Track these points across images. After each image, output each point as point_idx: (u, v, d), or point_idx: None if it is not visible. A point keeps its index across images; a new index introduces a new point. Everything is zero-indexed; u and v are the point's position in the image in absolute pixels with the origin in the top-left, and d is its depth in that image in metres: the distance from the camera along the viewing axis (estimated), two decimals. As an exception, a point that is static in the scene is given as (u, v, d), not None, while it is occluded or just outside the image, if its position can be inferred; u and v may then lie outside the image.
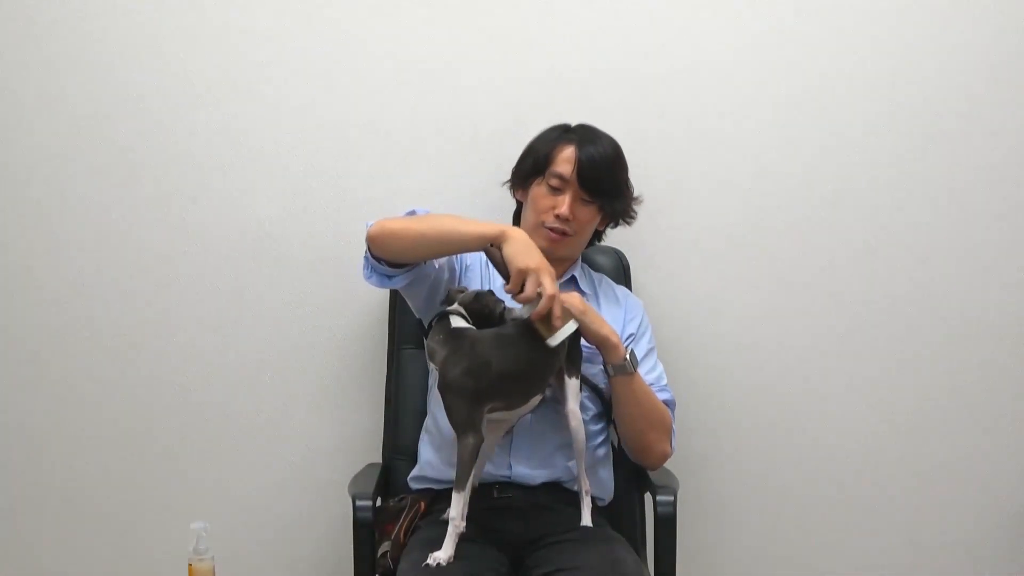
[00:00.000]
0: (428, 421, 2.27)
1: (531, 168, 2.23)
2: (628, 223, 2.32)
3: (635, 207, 2.30)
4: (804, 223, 2.56)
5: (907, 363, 2.59)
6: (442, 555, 1.93)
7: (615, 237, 2.45)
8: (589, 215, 2.21)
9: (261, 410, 2.54)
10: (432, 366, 2.03)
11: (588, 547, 2.02)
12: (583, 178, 2.17)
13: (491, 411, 1.99)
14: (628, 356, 2.11)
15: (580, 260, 2.33)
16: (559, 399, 2.09)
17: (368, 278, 2.13)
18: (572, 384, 2.06)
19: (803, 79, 2.54)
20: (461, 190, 2.38)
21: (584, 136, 2.21)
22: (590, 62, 2.52)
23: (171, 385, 2.54)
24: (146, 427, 2.54)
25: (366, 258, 2.11)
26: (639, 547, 2.30)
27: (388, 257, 2.07)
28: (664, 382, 2.26)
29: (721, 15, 2.53)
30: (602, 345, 2.10)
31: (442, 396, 1.99)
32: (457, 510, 1.94)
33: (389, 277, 2.10)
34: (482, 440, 1.96)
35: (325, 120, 2.51)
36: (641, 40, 2.52)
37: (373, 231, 2.06)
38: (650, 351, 2.28)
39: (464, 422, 1.94)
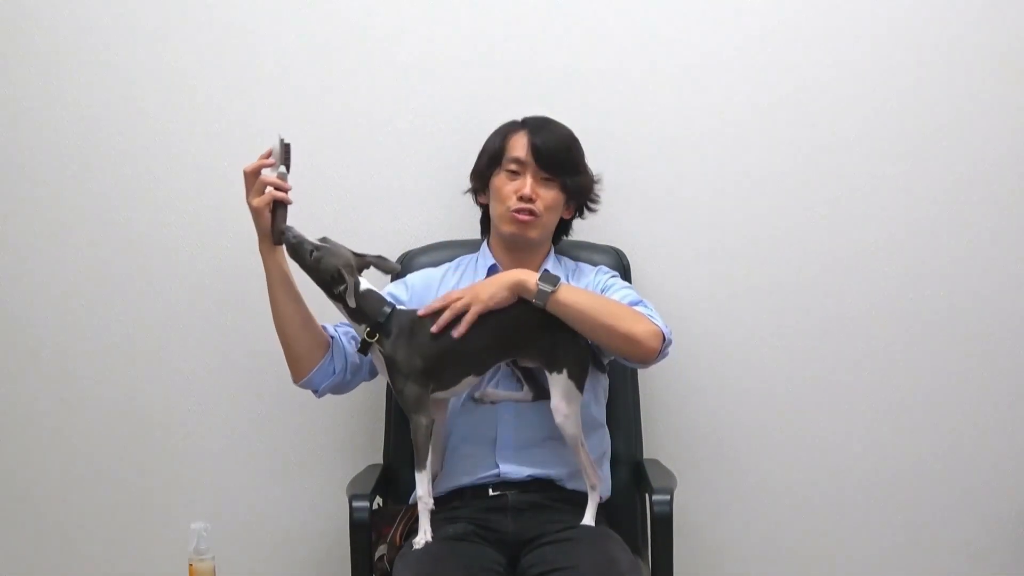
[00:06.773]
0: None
1: (487, 163, 2.25)
2: (592, 209, 2.32)
3: (597, 191, 2.29)
4: (804, 223, 2.56)
5: (907, 361, 2.59)
6: (421, 539, 1.99)
7: (615, 237, 2.46)
8: (552, 196, 2.21)
9: (262, 410, 2.54)
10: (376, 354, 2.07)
11: (584, 546, 2.02)
12: (539, 156, 2.18)
13: (432, 391, 2.05)
14: (539, 282, 2.03)
15: (553, 252, 2.32)
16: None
17: (320, 390, 2.20)
18: (554, 379, 2.06)
19: (802, 79, 2.54)
20: (464, 189, 2.38)
21: (534, 123, 2.24)
22: (588, 62, 2.52)
23: (171, 385, 2.54)
24: (146, 427, 2.55)
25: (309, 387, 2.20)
26: (639, 546, 2.30)
27: (297, 348, 2.15)
28: (632, 297, 2.20)
29: (719, 14, 2.52)
30: (519, 293, 2.04)
31: (392, 379, 2.05)
32: (423, 488, 2.02)
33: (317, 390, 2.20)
34: (433, 420, 2.03)
35: (326, 121, 2.51)
36: (638, 40, 2.52)
37: None
38: (621, 287, 2.24)
39: (414, 403, 2.02)
